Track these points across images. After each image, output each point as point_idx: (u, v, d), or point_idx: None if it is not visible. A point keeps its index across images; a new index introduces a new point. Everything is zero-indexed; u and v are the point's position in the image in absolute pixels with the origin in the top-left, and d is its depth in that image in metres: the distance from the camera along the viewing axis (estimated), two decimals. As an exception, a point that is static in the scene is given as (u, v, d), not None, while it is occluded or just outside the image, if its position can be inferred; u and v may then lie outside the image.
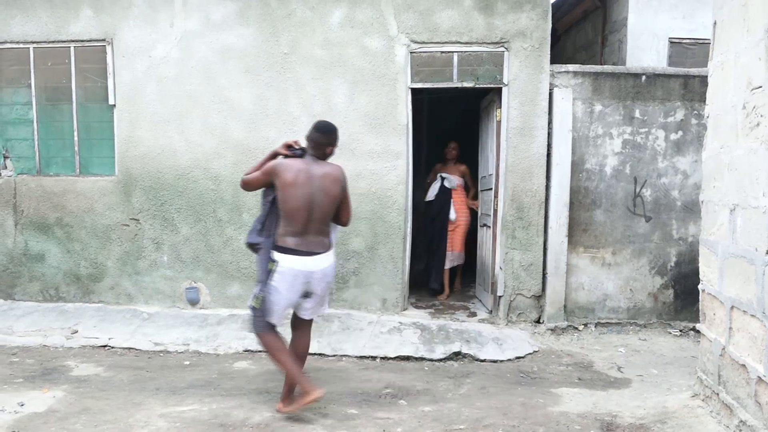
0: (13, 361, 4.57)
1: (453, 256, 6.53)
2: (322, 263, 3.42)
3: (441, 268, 6.46)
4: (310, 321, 3.64)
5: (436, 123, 8.86)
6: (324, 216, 3.41)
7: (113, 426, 3.32)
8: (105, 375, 4.26)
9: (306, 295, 3.44)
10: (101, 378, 4.19)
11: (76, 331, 5.14)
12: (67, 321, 5.32)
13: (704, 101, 3.58)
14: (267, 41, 5.48)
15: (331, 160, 3.33)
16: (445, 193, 6.51)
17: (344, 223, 3.63)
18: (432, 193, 6.60)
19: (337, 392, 3.96)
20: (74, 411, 3.54)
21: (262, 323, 3.45)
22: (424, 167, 8.35)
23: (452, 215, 6.45)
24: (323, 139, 3.45)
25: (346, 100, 5.48)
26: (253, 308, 3.46)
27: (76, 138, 5.72)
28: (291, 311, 3.57)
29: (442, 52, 5.43)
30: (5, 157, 5.83)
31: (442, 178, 6.53)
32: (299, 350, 3.58)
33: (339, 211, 3.53)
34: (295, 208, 3.32)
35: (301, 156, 3.47)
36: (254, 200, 5.55)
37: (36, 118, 5.76)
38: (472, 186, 6.63)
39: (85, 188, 5.72)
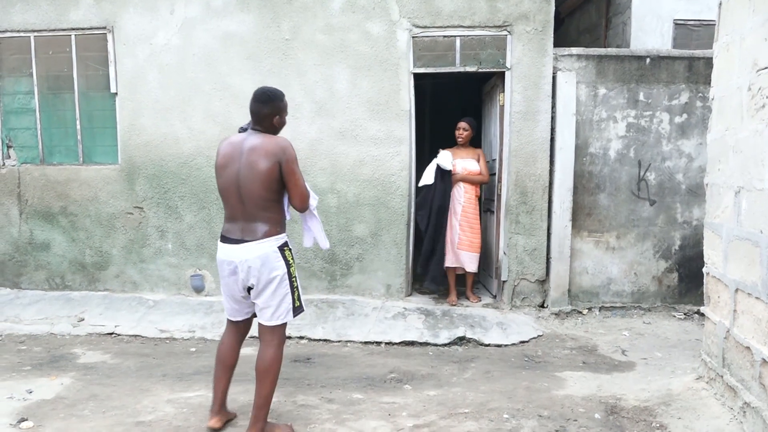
0: (21, 349, 4.61)
1: (464, 257, 5.62)
2: (246, 253, 2.89)
3: (439, 266, 5.60)
4: (270, 330, 3.00)
5: (439, 108, 8.82)
6: (255, 197, 2.88)
7: (121, 412, 3.35)
8: (112, 362, 4.29)
9: (250, 289, 2.98)
10: (108, 365, 4.23)
11: (83, 319, 5.18)
12: (73, 309, 5.35)
13: (709, 83, 3.55)
14: (268, 27, 5.45)
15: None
16: (443, 178, 5.58)
17: (296, 207, 3.04)
18: (429, 176, 5.61)
19: (342, 377, 3.98)
20: (82, 398, 3.58)
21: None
22: (427, 153, 8.34)
23: (459, 200, 5.61)
24: (262, 108, 2.98)
25: (349, 86, 5.45)
26: None
27: (78, 127, 5.72)
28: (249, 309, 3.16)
29: (445, 36, 5.39)
30: (8, 147, 5.83)
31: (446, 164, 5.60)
32: (257, 365, 2.98)
33: (288, 191, 2.98)
34: (224, 188, 2.95)
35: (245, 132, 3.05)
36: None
37: (38, 107, 5.75)
38: (486, 173, 5.66)
39: (89, 177, 5.73)
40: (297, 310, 3.04)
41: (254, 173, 2.86)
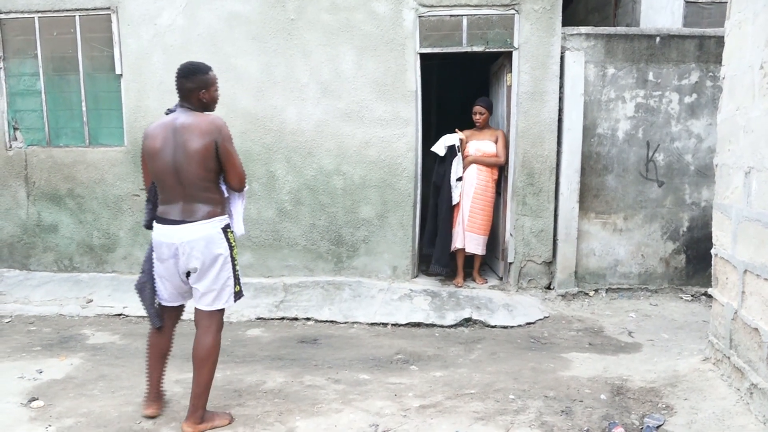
0: (31, 329, 4.66)
1: (472, 239, 5.55)
2: (189, 234, 2.79)
3: (445, 248, 5.56)
4: (209, 316, 2.92)
5: (446, 89, 8.75)
6: (193, 177, 2.78)
7: (130, 392, 3.39)
8: (120, 343, 4.33)
9: (190, 274, 2.89)
10: (117, 346, 4.26)
11: (91, 300, 5.21)
12: (81, 291, 5.39)
13: (720, 63, 3.50)
14: (273, 7, 5.40)
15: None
16: (443, 159, 5.57)
17: (234, 187, 2.92)
18: (442, 144, 5.54)
19: (348, 358, 4.01)
20: (91, 378, 3.62)
21: (150, 312, 3.02)
22: (433, 134, 8.30)
23: (460, 174, 5.52)
24: (185, 83, 2.87)
25: (354, 67, 5.41)
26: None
27: (84, 108, 5.71)
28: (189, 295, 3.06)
29: (451, 15, 5.32)
30: (15, 129, 5.84)
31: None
32: (194, 352, 2.90)
33: (225, 171, 2.87)
34: (160, 171, 2.82)
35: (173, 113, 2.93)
36: (264, 170, 5.56)
37: (44, 89, 5.74)
38: (502, 155, 5.48)
39: (95, 159, 5.73)
40: (237, 295, 2.96)
41: (190, 153, 2.76)
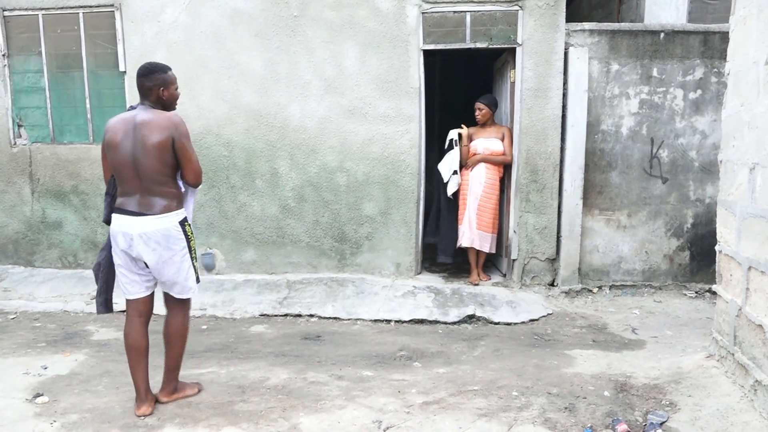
0: (36, 326, 4.68)
1: (475, 236, 5.52)
2: (146, 226, 2.92)
3: (451, 241, 5.65)
4: (178, 302, 3.15)
5: (449, 85, 8.74)
6: (151, 171, 2.91)
7: (134, 388, 3.39)
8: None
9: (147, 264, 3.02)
10: (121, 342, 4.24)
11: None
12: (86, 287, 5.41)
13: (724, 58, 3.48)
14: (276, 4, 5.39)
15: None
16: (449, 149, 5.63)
17: (190, 182, 3.04)
18: (447, 140, 5.69)
19: (352, 355, 4.01)
20: (96, 374, 3.63)
21: (100, 299, 3.17)
22: (437, 131, 8.29)
23: (451, 182, 5.55)
24: (144, 81, 2.99)
25: (358, 63, 5.40)
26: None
27: (88, 105, 5.72)
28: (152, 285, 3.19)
29: (455, 11, 5.31)
30: (19, 126, 5.85)
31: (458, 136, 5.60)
32: (166, 331, 3.17)
33: (181, 167, 3.00)
34: (119, 164, 2.95)
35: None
36: (267, 166, 5.57)
37: (48, 86, 5.75)
38: (509, 152, 5.48)
39: (99, 156, 5.70)
40: (197, 282, 3.17)
41: (148, 148, 2.89)
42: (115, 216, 3.00)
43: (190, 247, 3.06)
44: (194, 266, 3.11)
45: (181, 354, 3.20)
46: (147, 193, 2.95)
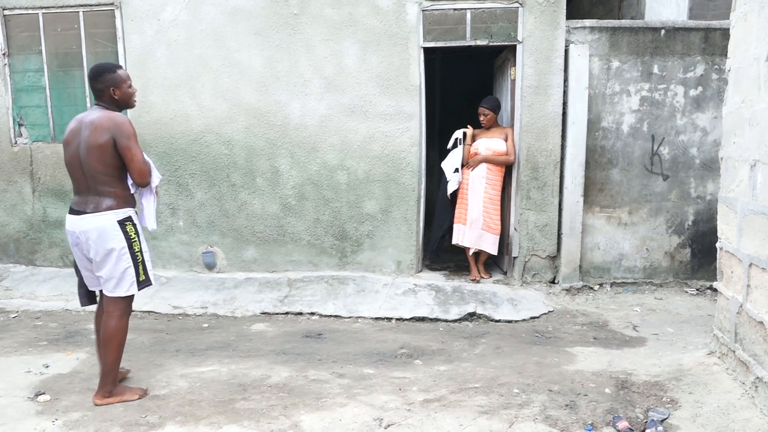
0: (37, 324, 4.68)
1: (477, 237, 5.50)
2: (85, 224, 3.01)
3: (434, 239, 5.81)
4: (112, 302, 3.12)
5: (450, 83, 8.73)
6: (93, 171, 2.99)
7: (135, 385, 3.40)
8: (126, 338, 4.34)
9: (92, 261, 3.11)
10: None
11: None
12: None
13: (725, 55, 3.48)
14: (276, 2, 5.39)
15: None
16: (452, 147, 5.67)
17: (135, 182, 3.08)
18: (452, 140, 5.69)
19: (353, 353, 4.01)
20: (97, 372, 3.62)
21: (81, 291, 3.31)
22: (437, 128, 8.28)
23: (452, 180, 5.56)
24: (94, 83, 3.08)
25: (358, 61, 5.40)
26: None
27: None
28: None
29: (455, 9, 5.30)
30: (20, 125, 5.86)
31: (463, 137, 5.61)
32: (102, 334, 3.15)
33: (126, 167, 3.04)
34: (69, 163, 3.09)
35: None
36: (268, 165, 5.57)
37: (48, 85, 5.75)
38: (512, 153, 5.43)
39: (100, 155, 5.74)
40: (142, 284, 3.16)
41: (90, 148, 2.97)
42: (67, 215, 3.14)
43: (132, 248, 3.08)
44: (138, 268, 3.11)
45: (114, 359, 3.13)
46: (92, 192, 3.05)
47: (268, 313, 4.93)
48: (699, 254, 5.49)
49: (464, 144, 5.55)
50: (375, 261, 5.62)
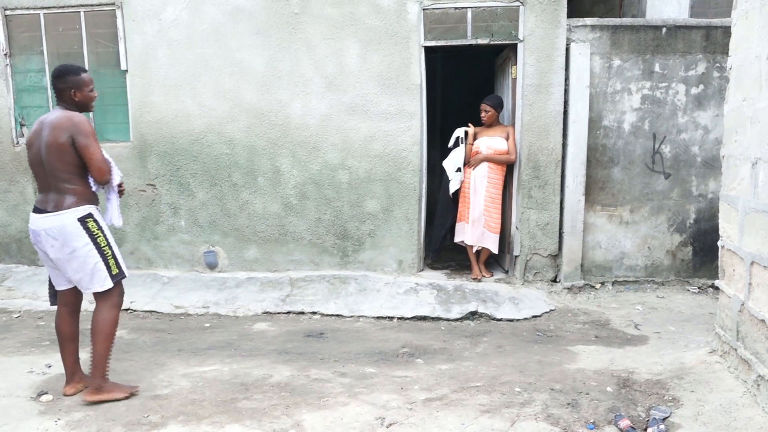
0: (40, 324, 4.69)
1: (488, 238, 5.52)
2: (43, 222, 3.05)
3: (436, 238, 5.86)
4: (100, 296, 3.16)
5: (451, 82, 8.72)
6: (53, 170, 3.04)
7: (137, 385, 3.40)
8: (128, 337, 4.36)
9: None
10: (125, 340, 4.29)
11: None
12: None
13: (727, 53, 3.47)
14: (277, 1, 5.39)
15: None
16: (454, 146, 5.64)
17: (96, 180, 3.11)
18: (452, 138, 5.65)
19: (354, 352, 4.02)
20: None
21: (51, 291, 3.33)
22: (438, 127, 8.28)
23: (453, 180, 5.56)
24: (56, 83, 3.13)
25: (359, 60, 5.40)
26: None
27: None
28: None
29: (456, 8, 5.30)
30: (22, 125, 5.86)
31: (465, 137, 5.59)
32: (91, 326, 3.15)
33: (86, 165, 3.07)
34: (31, 162, 3.15)
35: None
36: (269, 164, 5.57)
37: (50, 85, 5.75)
38: (513, 151, 5.45)
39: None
40: (116, 276, 3.16)
41: (50, 147, 3.02)
42: (30, 214, 3.16)
43: (97, 243, 3.10)
44: (108, 262, 3.12)
45: (104, 351, 3.14)
46: (52, 190, 3.08)
47: (270, 313, 4.94)
48: (700, 252, 5.49)
49: (465, 143, 5.55)
50: (376, 260, 5.63)
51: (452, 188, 5.58)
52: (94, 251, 3.09)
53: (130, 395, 3.23)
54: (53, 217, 3.04)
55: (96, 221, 3.13)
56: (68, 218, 3.05)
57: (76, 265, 3.07)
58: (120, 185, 3.27)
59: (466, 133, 5.57)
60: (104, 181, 3.14)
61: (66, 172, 3.05)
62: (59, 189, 3.07)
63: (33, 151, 3.12)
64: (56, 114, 3.08)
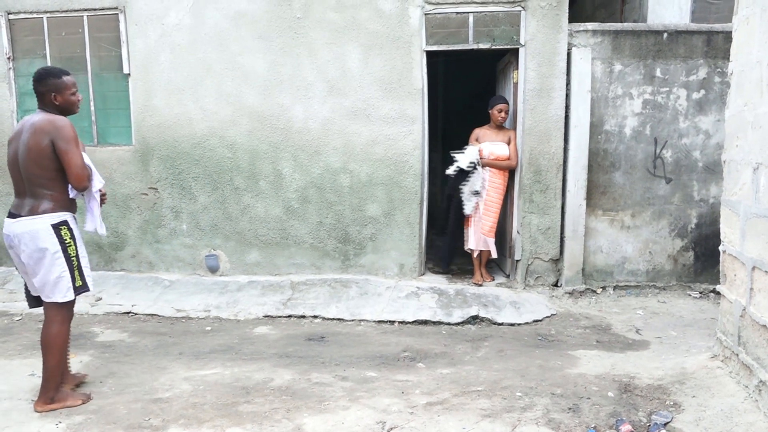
0: (41, 327, 4.68)
1: (481, 240, 5.54)
2: (16, 227, 3.00)
3: (446, 252, 5.88)
4: (50, 307, 3.08)
5: (452, 86, 8.74)
6: (29, 174, 2.99)
7: (139, 389, 3.41)
8: (129, 340, 4.36)
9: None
10: (126, 343, 4.29)
11: (100, 299, 5.25)
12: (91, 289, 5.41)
13: (728, 58, 3.48)
14: (279, 5, 5.41)
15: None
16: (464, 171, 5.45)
17: (73, 185, 3.04)
18: (467, 159, 5.38)
19: (355, 356, 4.02)
20: (101, 375, 3.64)
21: (28, 294, 3.26)
22: (440, 132, 8.29)
23: (477, 189, 5.43)
24: (37, 86, 3.09)
25: (361, 65, 5.41)
26: None
27: (92, 108, 5.74)
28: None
29: (458, 12, 5.32)
30: (24, 129, 5.87)
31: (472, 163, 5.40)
32: (41, 339, 3.11)
33: (65, 170, 3.00)
34: (9, 165, 3.10)
35: None
36: (271, 168, 5.58)
37: (52, 89, 5.77)
38: (515, 157, 5.45)
39: (104, 158, 5.76)
40: (79, 289, 3.11)
41: (26, 151, 2.97)
42: (5, 218, 3.11)
43: (66, 253, 3.04)
44: (74, 274, 3.07)
45: (54, 365, 3.08)
46: (29, 195, 3.03)
47: (271, 316, 4.94)
48: (702, 257, 5.48)
49: (479, 165, 5.38)
50: (378, 264, 5.63)
51: (467, 211, 5.50)
52: (62, 260, 3.03)
53: (84, 402, 3.19)
54: (27, 222, 2.98)
55: (70, 230, 3.07)
56: (42, 224, 2.99)
57: (43, 272, 3.01)
58: (102, 193, 3.22)
59: (478, 159, 5.39)
60: (82, 188, 3.07)
61: (43, 176, 2.99)
62: (35, 193, 3.01)
63: (10, 155, 3.08)
64: (38, 117, 3.03)
